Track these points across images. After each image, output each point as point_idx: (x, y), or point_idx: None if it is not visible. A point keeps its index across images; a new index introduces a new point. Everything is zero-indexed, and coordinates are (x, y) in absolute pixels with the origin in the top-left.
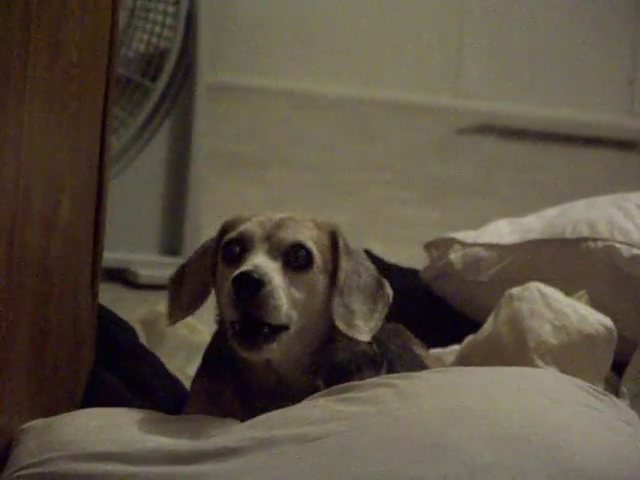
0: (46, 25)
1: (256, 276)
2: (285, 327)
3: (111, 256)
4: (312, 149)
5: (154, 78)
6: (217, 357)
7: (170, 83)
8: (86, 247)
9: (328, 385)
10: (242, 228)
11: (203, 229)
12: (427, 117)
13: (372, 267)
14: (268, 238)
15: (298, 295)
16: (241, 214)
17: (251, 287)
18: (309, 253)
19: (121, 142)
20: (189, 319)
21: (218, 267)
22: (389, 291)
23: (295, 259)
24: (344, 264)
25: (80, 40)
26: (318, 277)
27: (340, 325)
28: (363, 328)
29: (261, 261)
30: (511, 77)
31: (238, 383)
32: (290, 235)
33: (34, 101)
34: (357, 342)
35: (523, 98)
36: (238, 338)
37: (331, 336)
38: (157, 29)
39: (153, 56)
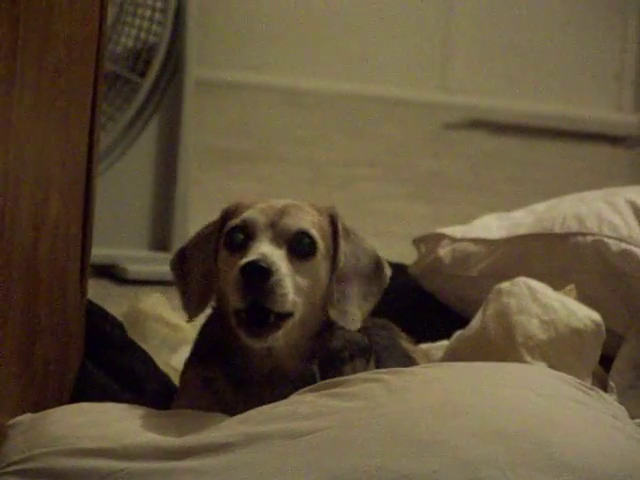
0: (34, 21)
1: (264, 265)
2: (290, 314)
3: (100, 252)
4: (301, 144)
5: (142, 73)
6: (210, 344)
7: (158, 78)
8: (75, 243)
9: (322, 371)
10: (245, 215)
11: (191, 224)
12: (415, 112)
13: (371, 248)
14: (272, 226)
15: (302, 282)
16: (242, 200)
17: (259, 276)
18: (313, 241)
19: (110, 137)
20: (171, 317)
21: (220, 254)
22: (387, 272)
23: (299, 247)
24: (342, 247)
25: (68, 36)
26: (321, 264)
27: (332, 313)
28: (355, 314)
29: (267, 249)
30: (499, 72)
31: (232, 370)
32: (294, 223)
33: (22, 97)
34: (350, 330)
35: (511, 93)
36: (245, 328)
37: (328, 322)
38: (145, 24)
39: (141, 51)
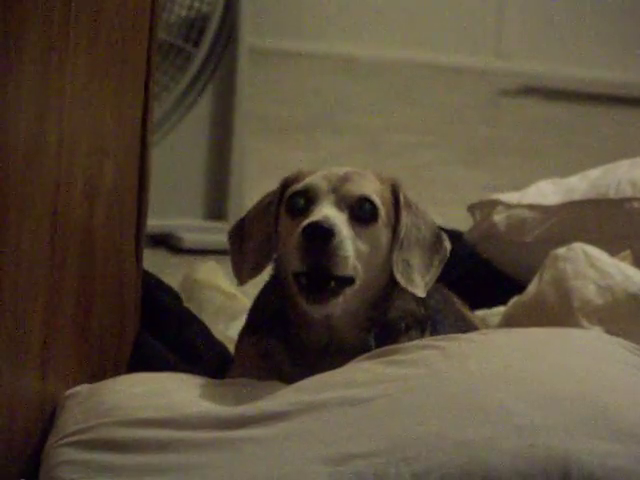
0: None
1: (326, 226)
2: (350, 280)
3: (155, 222)
4: (355, 112)
5: (196, 43)
6: (267, 313)
7: (212, 48)
8: (130, 212)
9: (378, 342)
10: (307, 181)
11: (247, 193)
12: (470, 79)
13: (432, 220)
14: (334, 191)
15: (363, 248)
16: (302, 169)
17: (321, 237)
18: (374, 207)
19: (164, 107)
20: (227, 286)
21: (281, 220)
22: (447, 245)
23: (361, 212)
24: (404, 218)
25: (122, 5)
26: (382, 230)
27: (399, 279)
28: (419, 283)
29: (330, 212)
30: (553, 38)
31: (289, 340)
32: (356, 188)
33: (76, 66)
34: (407, 301)
35: (566, 59)
36: (305, 292)
37: (387, 292)
38: None
39: (195, 20)
